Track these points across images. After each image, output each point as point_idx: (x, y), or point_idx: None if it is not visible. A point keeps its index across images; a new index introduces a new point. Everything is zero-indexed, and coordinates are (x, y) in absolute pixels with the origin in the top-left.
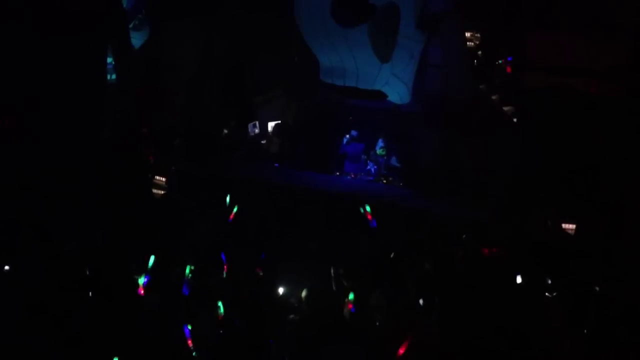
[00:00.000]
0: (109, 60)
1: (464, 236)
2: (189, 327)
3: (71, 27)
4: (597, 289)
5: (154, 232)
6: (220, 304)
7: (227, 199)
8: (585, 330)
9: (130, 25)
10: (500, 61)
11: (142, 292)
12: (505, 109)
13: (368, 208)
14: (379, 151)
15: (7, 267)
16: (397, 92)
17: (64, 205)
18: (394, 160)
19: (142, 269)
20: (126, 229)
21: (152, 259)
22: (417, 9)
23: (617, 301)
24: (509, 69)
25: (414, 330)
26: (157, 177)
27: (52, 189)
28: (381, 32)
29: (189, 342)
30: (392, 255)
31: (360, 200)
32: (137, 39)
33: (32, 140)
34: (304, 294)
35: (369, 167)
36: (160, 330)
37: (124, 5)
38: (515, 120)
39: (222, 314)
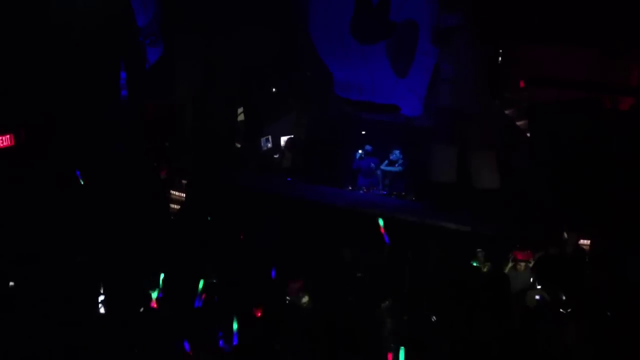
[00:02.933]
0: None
1: (478, 250)
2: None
3: (85, 43)
4: (612, 305)
5: (168, 245)
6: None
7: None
8: (600, 348)
9: (147, 42)
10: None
11: (155, 305)
12: (518, 123)
13: (381, 222)
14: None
15: (18, 278)
16: (411, 105)
17: (76, 218)
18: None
19: (155, 283)
20: (139, 242)
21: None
22: (432, 24)
23: (632, 317)
24: (522, 83)
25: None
26: (171, 191)
27: (65, 201)
28: (400, 47)
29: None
30: (404, 270)
31: (372, 214)
32: (153, 55)
33: (47, 153)
34: (315, 306)
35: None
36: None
37: (140, 23)
38: (528, 134)
39: (236, 327)
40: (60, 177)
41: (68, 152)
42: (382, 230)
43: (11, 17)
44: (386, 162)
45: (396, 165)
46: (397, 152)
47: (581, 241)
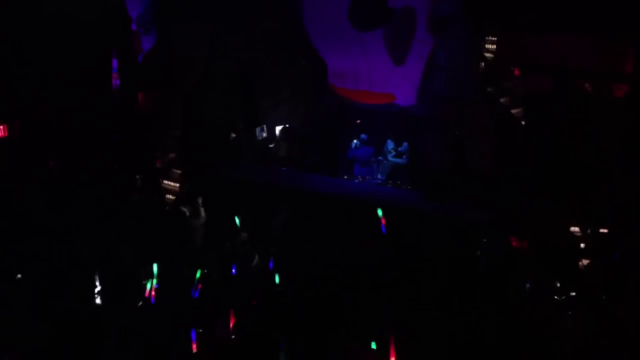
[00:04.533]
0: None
1: (484, 239)
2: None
3: (77, 33)
4: (606, 291)
5: (164, 236)
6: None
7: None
8: (594, 333)
9: (141, 31)
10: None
11: (150, 296)
12: (513, 111)
13: (380, 212)
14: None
15: (19, 270)
16: (405, 94)
17: (72, 208)
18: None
19: (151, 274)
20: (136, 233)
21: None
22: (428, 12)
23: (625, 303)
24: (516, 71)
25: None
26: (166, 182)
27: (61, 192)
28: (398, 34)
29: (194, 346)
30: (401, 258)
31: (369, 203)
32: (146, 44)
33: (42, 144)
34: (311, 296)
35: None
36: (168, 333)
37: (135, 13)
38: (523, 122)
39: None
40: (53, 167)
41: (61, 143)
42: (383, 220)
43: (4, 9)
44: (394, 153)
45: (403, 157)
46: (405, 144)
47: (574, 228)
